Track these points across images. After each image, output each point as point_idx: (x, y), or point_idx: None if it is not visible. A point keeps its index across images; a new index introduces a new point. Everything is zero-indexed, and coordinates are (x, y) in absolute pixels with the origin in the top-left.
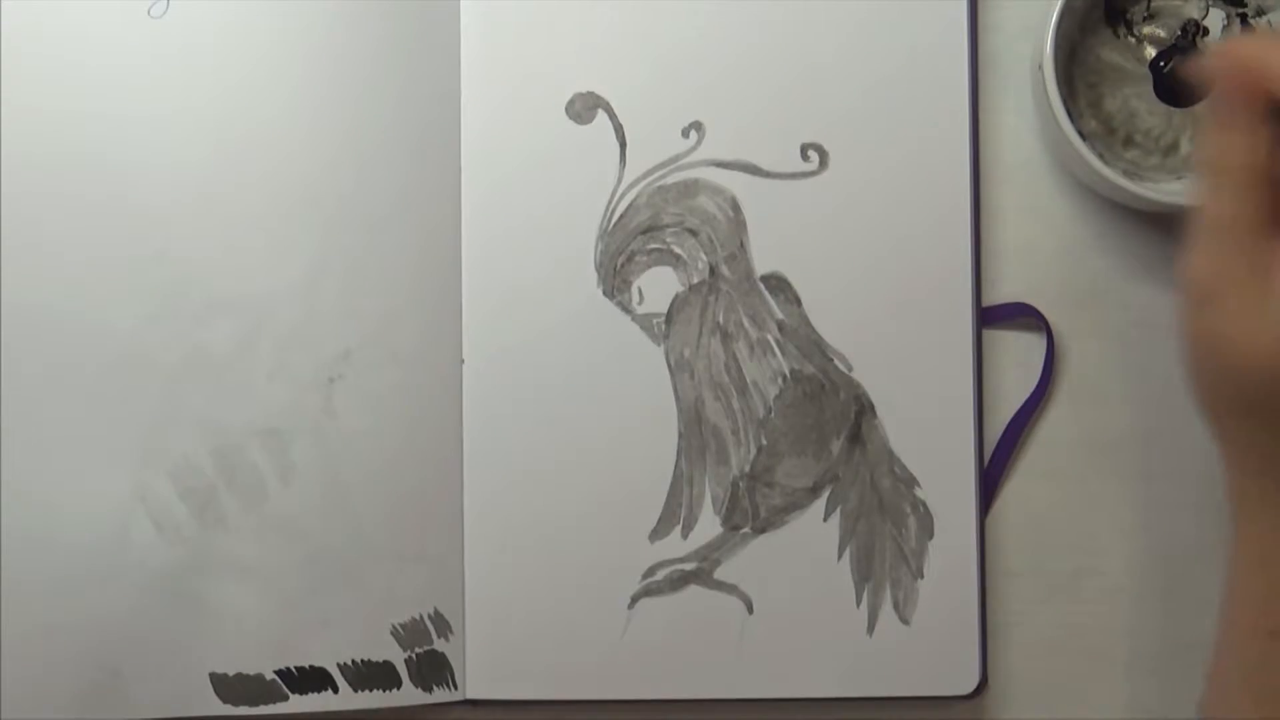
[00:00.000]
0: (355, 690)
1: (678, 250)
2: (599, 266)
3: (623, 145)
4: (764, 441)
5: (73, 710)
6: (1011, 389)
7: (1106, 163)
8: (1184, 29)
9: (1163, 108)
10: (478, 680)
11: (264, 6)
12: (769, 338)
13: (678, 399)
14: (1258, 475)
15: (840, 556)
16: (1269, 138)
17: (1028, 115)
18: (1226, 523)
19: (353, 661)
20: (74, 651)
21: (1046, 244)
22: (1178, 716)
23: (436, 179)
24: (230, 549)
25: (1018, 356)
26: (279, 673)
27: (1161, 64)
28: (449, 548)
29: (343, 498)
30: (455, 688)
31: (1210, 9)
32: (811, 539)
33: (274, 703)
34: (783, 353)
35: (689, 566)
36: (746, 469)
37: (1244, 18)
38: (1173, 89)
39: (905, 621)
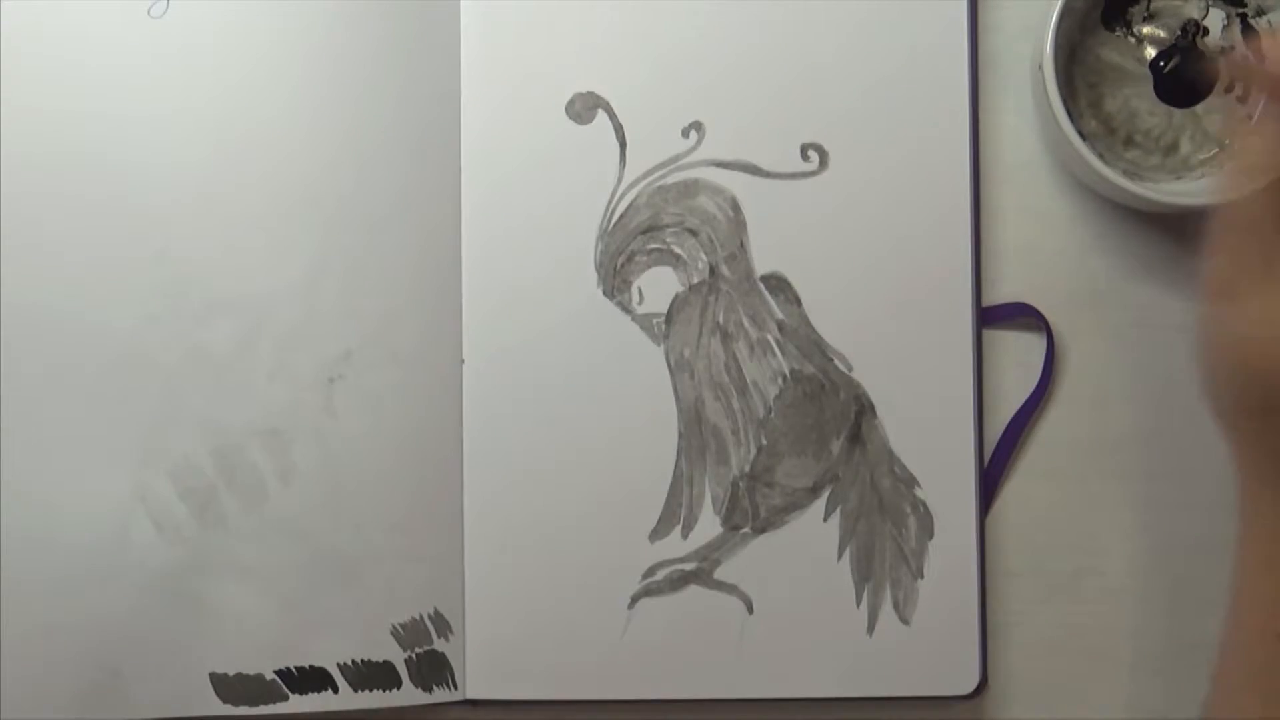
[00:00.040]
0: (355, 690)
1: (678, 250)
2: (599, 266)
3: (623, 145)
4: (764, 441)
5: (73, 710)
6: (1011, 389)
7: (1106, 163)
8: (1184, 29)
9: (1163, 108)
10: (478, 680)
11: (264, 6)
12: (769, 338)
13: (678, 399)
14: (1270, 477)
15: (840, 556)
16: None
17: (1028, 115)
18: (1228, 522)
19: (353, 661)
20: (74, 651)
21: (1046, 244)
22: (1178, 717)
23: (436, 179)
24: (230, 549)
25: (1018, 356)
26: (279, 673)
27: (1161, 64)
28: (449, 548)
29: (343, 498)
30: (455, 688)
31: (1210, 9)
32: (811, 539)
33: (274, 703)
34: (783, 353)
35: (689, 566)
36: (746, 469)
37: (1244, 18)
38: (1173, 89)
39: (905, 621)
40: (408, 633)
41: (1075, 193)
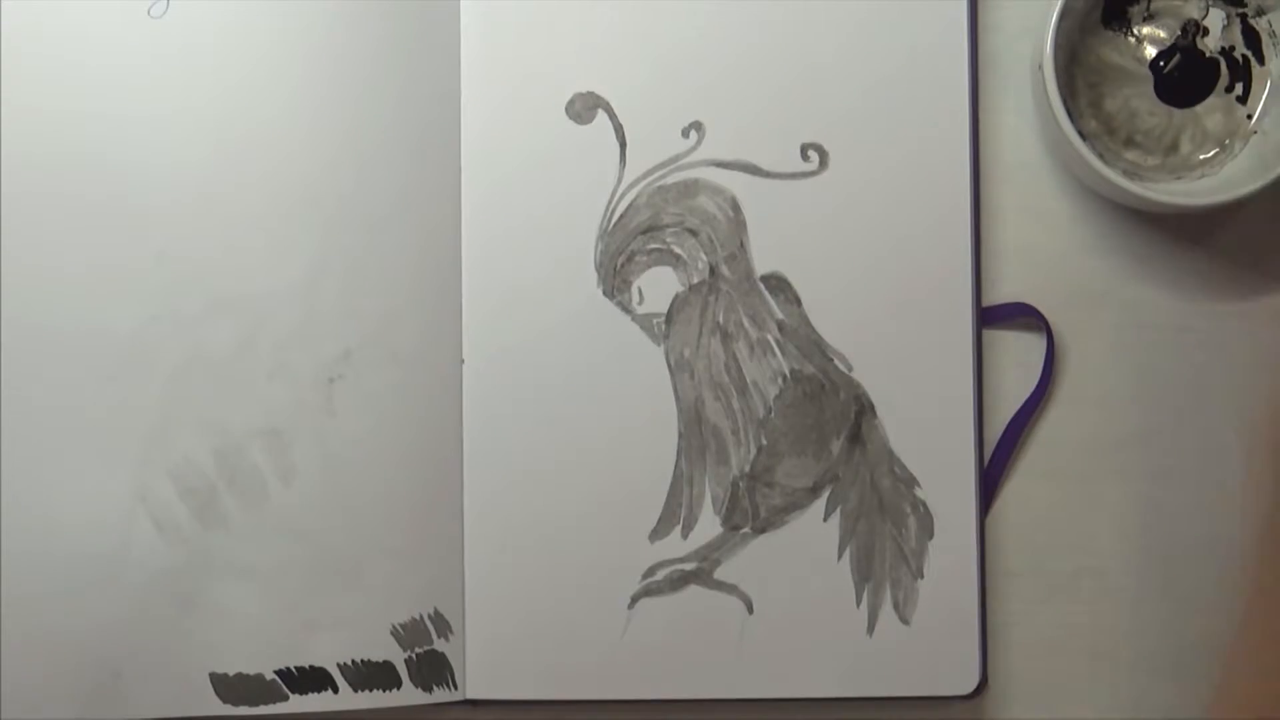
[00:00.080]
0: (355, 690)
1: (678, 250)
2: (599, 266)
3: (623, 145)
4: (764, 441)
5: (74, 711)
6: (1011, 389)
7: (1106, 163)
8: (1184, 29)
9: (1163, 108)
10: (478, 680)
11: (264, 6)
12: (769, 338)
13: (678, 399)
14: None
15: (840, 556)
16: None
17: (1028, 115)
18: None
19: (353, 661)
20: (75, 652)
21: (1046, 244)
22: (1178, 716)
23: (436, 179)
24: (231, 549)
25: (1018, 356)
26: (279, 673)
27: (1161, 64)
28: (449, 548)
29: (343, 498)
30: (455, 688)
31: (1210, 9)
32: (811, 539)
33: (274, 703)
34: (783, 353)
35: (689, 566)
36: (746, 469)
37: (1244, 18)
38: (1173, 89)
39: (905, 621)
40: (408, 633)
41: (1075, 193)
